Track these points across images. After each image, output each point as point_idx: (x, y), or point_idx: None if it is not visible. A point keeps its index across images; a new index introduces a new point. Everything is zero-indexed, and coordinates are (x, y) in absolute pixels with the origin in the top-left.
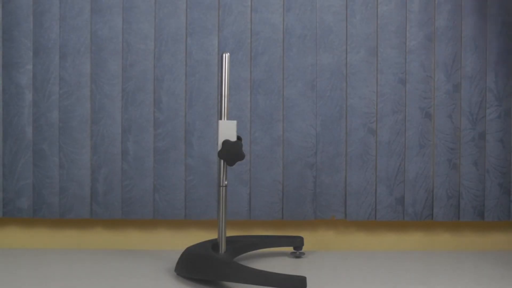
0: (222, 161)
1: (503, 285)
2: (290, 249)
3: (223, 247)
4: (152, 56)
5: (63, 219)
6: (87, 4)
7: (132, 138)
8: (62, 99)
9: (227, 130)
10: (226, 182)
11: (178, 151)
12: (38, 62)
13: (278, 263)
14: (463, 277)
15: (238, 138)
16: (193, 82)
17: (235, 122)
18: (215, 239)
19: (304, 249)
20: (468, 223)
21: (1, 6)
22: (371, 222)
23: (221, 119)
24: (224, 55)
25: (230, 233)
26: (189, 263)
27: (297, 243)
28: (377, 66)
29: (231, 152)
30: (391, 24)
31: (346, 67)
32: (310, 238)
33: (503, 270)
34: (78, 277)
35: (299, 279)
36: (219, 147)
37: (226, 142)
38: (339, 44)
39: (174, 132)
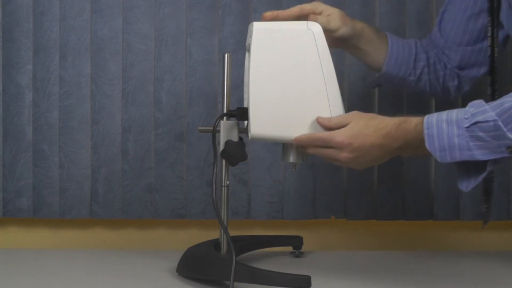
0: (224, 161)
1: (503, 286)
2: (289, 248)
3: (225, 247)
4: (152, 56)
5: (63, 219)
6: (87, 4)
7: (132, 138)
8: (62, 99)
9: (229, 130)
10: (228, 182)
11: (178, 151)
12: (38, 62)
13: (278, 263)
14: (463, 277)
15: (240, 138)
16: (193, 82)
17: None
18: (217, 239)
19: (304, 249)
20: (468, 223)
21: (1, 6)
22: (371, 222)
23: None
24: (225, 55)
25: (230, 233)
26: (192, 263)
27: (296, 243)
28: None
29: (234, 153)
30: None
31: (346, 67)
32: (310, 238)
33: (503, 271)
34: (78, 277)
35: (304, 278)
36: (221, 147)
37: (229, 143)
38: None
39: (174, 132)
